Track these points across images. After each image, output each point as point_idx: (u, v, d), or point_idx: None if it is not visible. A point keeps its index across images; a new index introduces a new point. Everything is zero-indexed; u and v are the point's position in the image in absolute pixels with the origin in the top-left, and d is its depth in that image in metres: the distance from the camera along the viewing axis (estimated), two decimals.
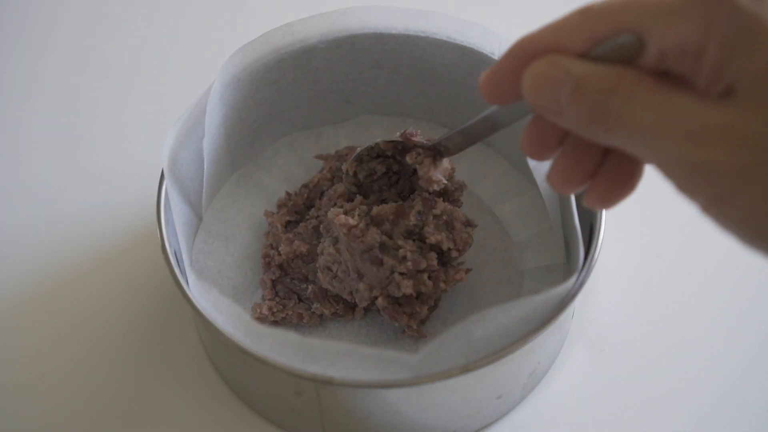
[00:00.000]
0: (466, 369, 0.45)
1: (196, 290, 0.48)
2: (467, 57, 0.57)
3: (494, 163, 0.62)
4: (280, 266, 0.57)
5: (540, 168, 0.54)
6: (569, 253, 0.54)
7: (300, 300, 0.56)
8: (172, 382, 0.55)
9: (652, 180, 0.62)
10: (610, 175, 0.38)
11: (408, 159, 0.51)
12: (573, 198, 0.51)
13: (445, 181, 0.52)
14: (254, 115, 0.59)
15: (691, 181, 0.32)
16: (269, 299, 0.56)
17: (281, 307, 0.56)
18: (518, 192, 0.60)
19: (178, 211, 0.53)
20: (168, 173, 0.52)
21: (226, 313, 0.46)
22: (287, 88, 0.59)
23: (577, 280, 0.48)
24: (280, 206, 0.60)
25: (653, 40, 0.33)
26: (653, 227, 0.62)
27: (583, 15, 0.34)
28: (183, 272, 0.50)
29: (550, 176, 0.39)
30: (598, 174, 0.38)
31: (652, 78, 0.33)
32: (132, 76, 0.71)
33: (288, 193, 0.60)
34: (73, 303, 0.59)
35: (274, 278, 0.57)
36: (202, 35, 0.73)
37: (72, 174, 0.65)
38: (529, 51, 0.35)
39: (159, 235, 0.51)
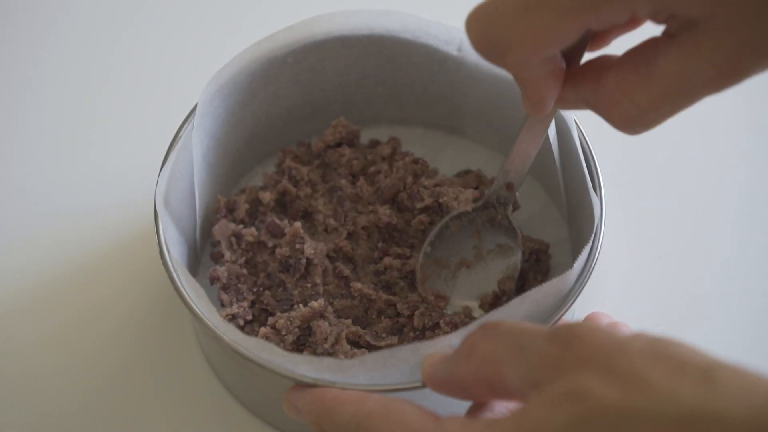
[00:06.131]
0: None
1: (193, 293, 0.46)
2: (433, 55, 0.56)
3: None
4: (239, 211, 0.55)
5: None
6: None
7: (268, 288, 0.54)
8: (169, 385, 0.55)
9: (653, 182, 0.64)
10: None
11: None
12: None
13: None
14: (232, 140, 0.57)
15: None
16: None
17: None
18: (532, 201, 0.59)
19: (177, 250, 0.50)
20: (164, 216, 0.49)
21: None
22: (260, 108, 0.57)
23: (577, 282, 0.47)
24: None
25: None
26: (655, 229, 0.61)
27: None
28: (180, 276, 0.48)
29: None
30: None
31: None
32: (131, 76, 0.69)
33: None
34: (69, 305, 0.58)
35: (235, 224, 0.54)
36: (204, 36, 0.72)
37: (69, 174, 0.64)
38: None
39: (156, 239, 0.49)
